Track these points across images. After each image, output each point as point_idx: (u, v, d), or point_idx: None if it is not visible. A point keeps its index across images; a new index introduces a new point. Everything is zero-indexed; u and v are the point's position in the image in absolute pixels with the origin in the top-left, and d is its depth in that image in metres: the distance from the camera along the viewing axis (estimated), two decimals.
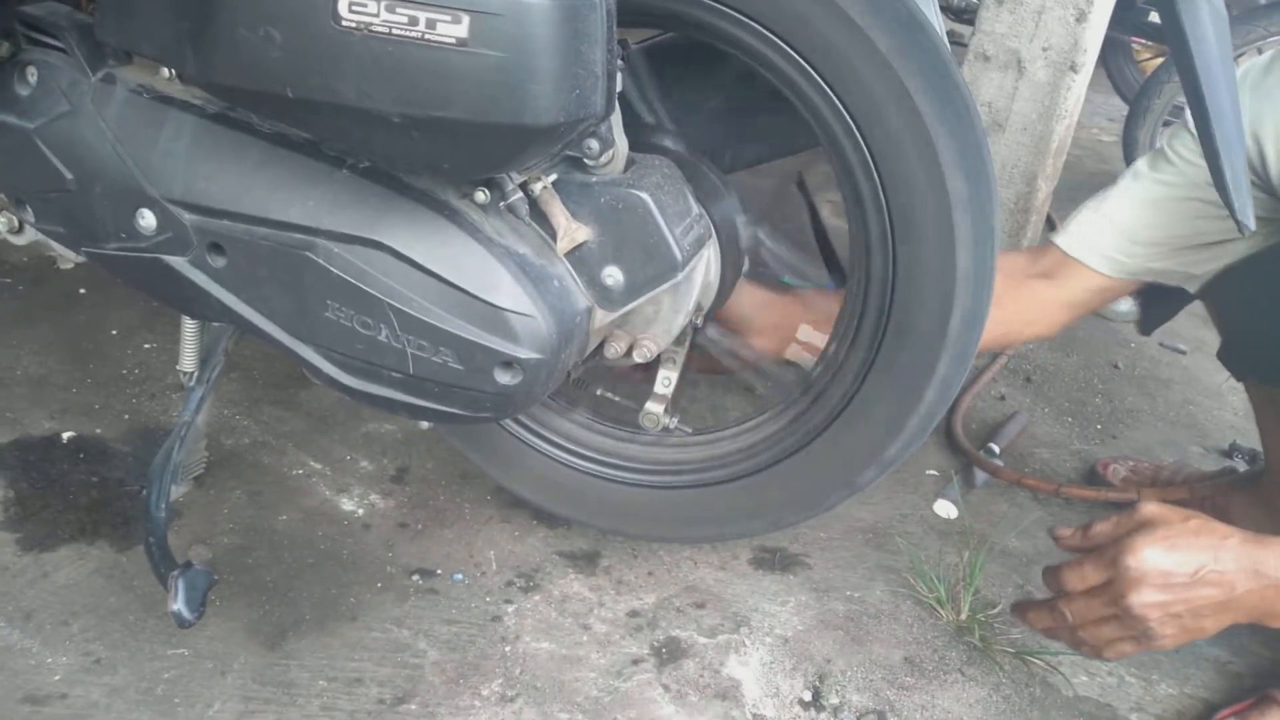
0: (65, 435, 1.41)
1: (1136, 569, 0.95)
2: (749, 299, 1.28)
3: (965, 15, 3.89)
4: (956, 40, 3.96)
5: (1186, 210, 1.24)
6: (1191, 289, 1.33)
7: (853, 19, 0.92)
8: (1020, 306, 1.33)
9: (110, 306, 1.71)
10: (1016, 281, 1.33)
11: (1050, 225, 2.60)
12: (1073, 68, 1.72)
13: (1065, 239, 1.32)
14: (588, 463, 1.28)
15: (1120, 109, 3.72)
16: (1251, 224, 0.94)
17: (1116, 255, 1.29)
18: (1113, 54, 3.88)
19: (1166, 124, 2.95)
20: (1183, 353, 2.16)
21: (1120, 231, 1.28)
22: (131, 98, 0.98)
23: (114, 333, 1.66)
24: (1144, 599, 0.95)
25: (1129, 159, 3.01)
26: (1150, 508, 0.99)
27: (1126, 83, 3.86)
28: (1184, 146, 1.24)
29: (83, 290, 1.74)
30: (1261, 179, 1.20)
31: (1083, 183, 3.26)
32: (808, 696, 1.17)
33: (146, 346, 1.63)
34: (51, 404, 1.47)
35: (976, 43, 1.79)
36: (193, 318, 1.13)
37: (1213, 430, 1.89)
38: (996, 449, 1.68)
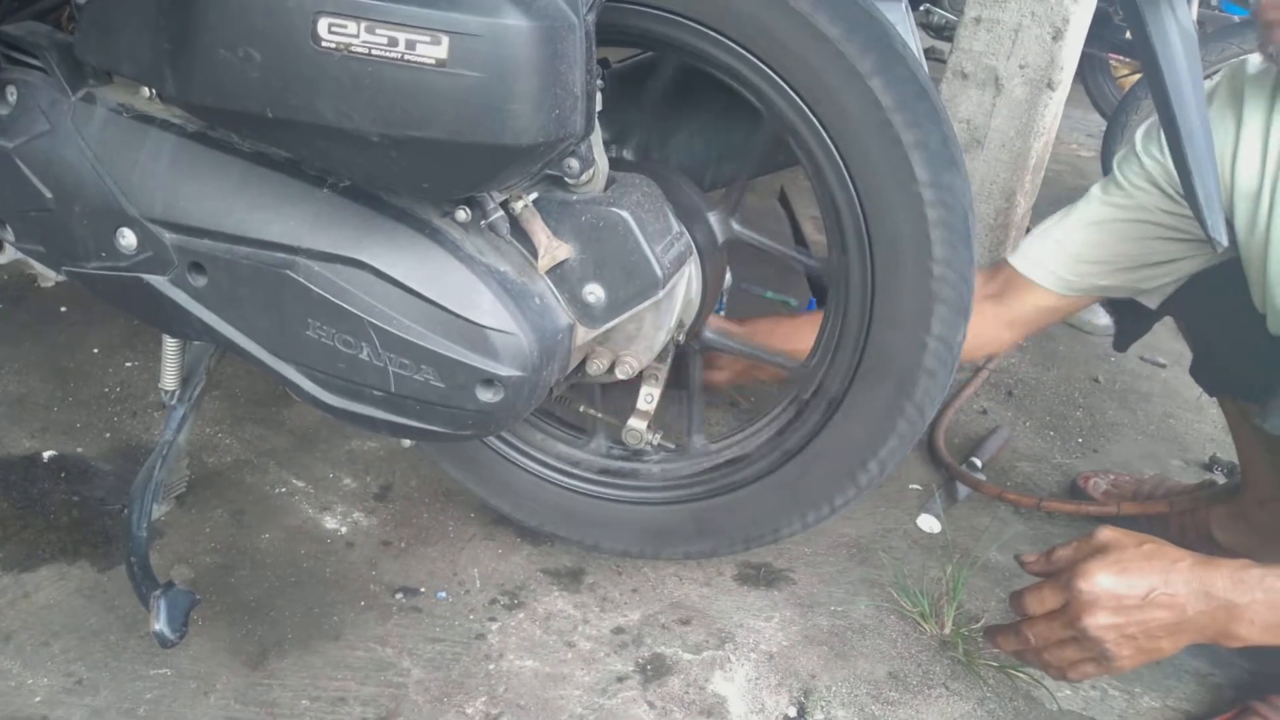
0: (46, 454, 1.41)
1: (1089, 593, 0.97)
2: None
3: (945, 32, 3.93)
4: (936, 57, 4.00)
5: (1134, 232, 1.26)
6: (1150, 304, 1.35)
7: (832, 42, 0.93)
8: (974, 327, 1.33)
9: (91, 325, 1.70)
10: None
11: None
12: (1050, 85, 1.74)
13: (1016, 258, 1.33)
14: (569, 478, 1.28)
15: (1099, 124, 3.75)
16: (1224, 240, 0.96)
17: (1065, 274, 1.31)
18: (1091, 70, 3.92)
19: None
20: (1162, 366, 2.18)
21: (1069, 252, 1.29)
22: (111, 117, 0.98)
23: (95, 351, 1.65)
24: (1098, 621, 0.97)
25: (1107, 173, 3.04)
26: (1105, 533, 1.02)
27: (1105, 98, 3.89)
28: (1132, 172, 1.26)
29: (64, 308, 1.74)
30: None
31: (1061, 198, 3.26)
32: (793, 712, 1.17)
33: (128, 365, 1.63)
34: (32, 423, 1.46)
35: (955, 60, 1.81)
36: (174, 336, 1.12)
37: (1192, 443, 1.90)
38: (979, 463, 1.69)
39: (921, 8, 4.43)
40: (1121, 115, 3.03)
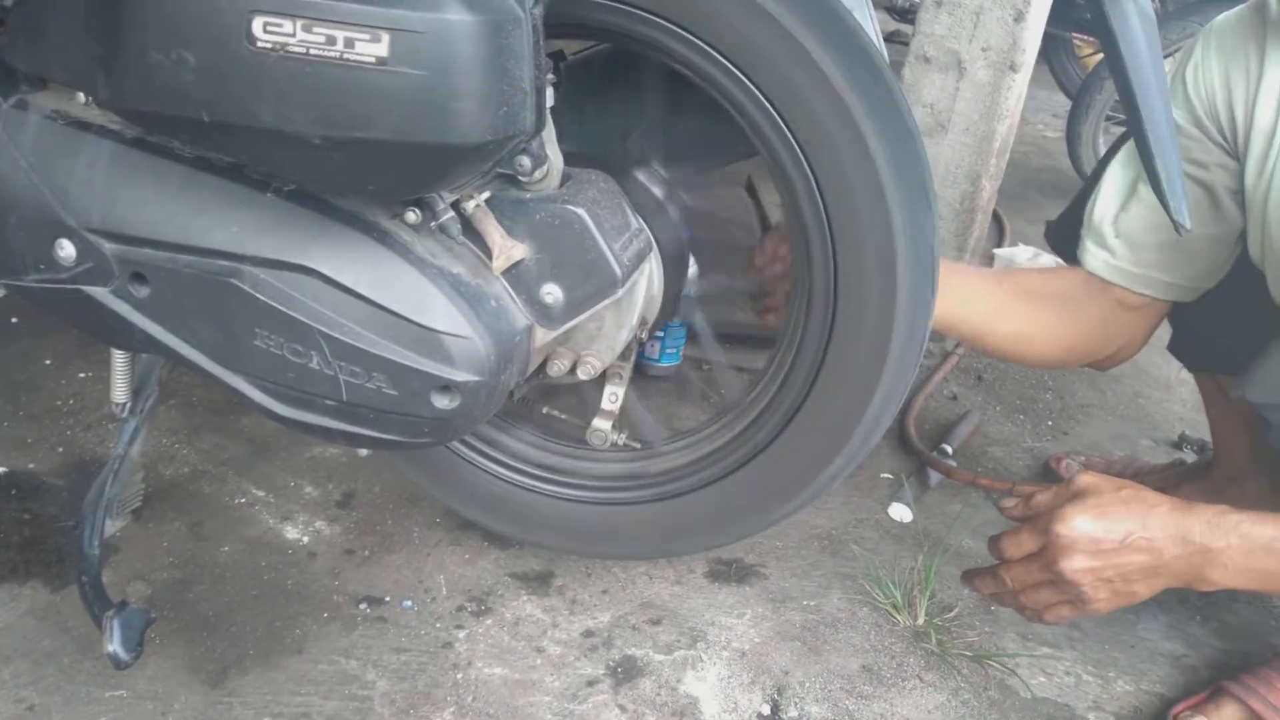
0: None
1: (1067, 535, 0.98)
2: None
3: (909, 15, 3.92)
4: (900, 40, 3.99)
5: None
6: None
7: (798, 40, 0.91)
8: (1103, 315, 1.29)
9: (44, 336, 1.66)
10: (1095, 291, 1.28)
11: (998, 223, 2.62)
12: (1012, 67, 1.72)
13: (1088, 259, 1.27)
14: (535, 480, 1.26)
15: (1064, 104, 3.76)
16: (1188, 223, 0.95)
17: (1167, 278, 1.25)
18: (1054, 50, 3.93)
19: (1109, 119, 2.98)
20: None
21: (1130, 245, 1.24)
22: (46, 124, 0.95)
23: (48, 362, 1.61)
24: (1075, 564, 0.98)
25: (1072, 154, 3.04)
26: (1085, 478, 1.03)
27: (1069, 78, 3.90)
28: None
29: (14, 319, 1.69)
30: (1228, 143, 1.18)
31: (1030, 179, 3.30)
32: (766, 710, 1.16)
33: (81, 375, 1.59)
34: None
35: (917, 44, 1.79)
36: (119, 349, 1.09)
37: (1162, 422, 1.91)
38: (950, 449, 1.68)
39: None
40: (1086, 95, 3.04)
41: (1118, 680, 1.27)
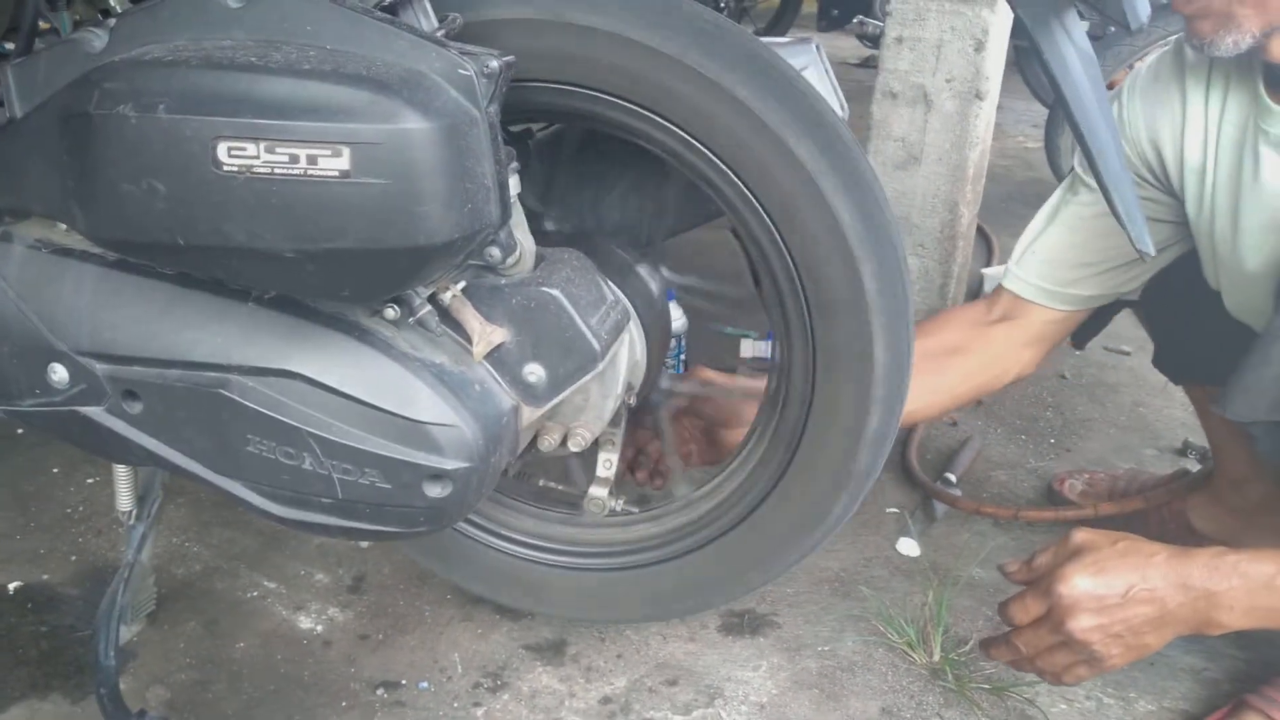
0: (11, 586, 1.39)
1: (1070, 596, 0.99)
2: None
3: (881, 41, 3.97)
4: (873, 65, 4.03)
5: (1105, 227, 1.25)
6: (1133, 298, 1.35)
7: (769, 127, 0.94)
8: (990, 354, 1.35)
9: (50, 444, 1.68)
10: (981, 330, 1.35)
11: (985, 241, 2.64)
12: (978, 95, 1.75)
13: (1007, 280, 1.33)
14: (540, 552, 1.27)
15: (1043, 114, 3.78)
16: (1151, 250, 0.96)
17: (1049, 286, 1.31)
18: (1026, 61, 3.97)
19: None
20: (1127, 354, 2.18)
21: (1048, 261, 1.30)
22: (30, 254, 0.97)
23: (55, 471, 1.63)
24: (1081, 624, 0.99)
25: (1053, 165, 3.06)
26: (1080, 535, 1.03)
27: (1043, 87, 3.93)
28: None
29: (20, 430, 1.72)
30: (1162, 183, 1.23)
31: (1014, 193, 3.31)
32: None
33: (90, 481, 1.61)
34: None
35: (882, 81, 1.82)
36: (118, 464, 1.11)
37: (1164, 430, 1.91)
38: (953, 477, 1.69)
39: (855, 19, 4.49)
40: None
41: (1139, 700, 1.26)
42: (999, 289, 1.36)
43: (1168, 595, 0.98)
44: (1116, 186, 0.92)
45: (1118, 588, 0.98)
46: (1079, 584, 0.99)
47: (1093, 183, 1.26)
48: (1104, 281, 1.30)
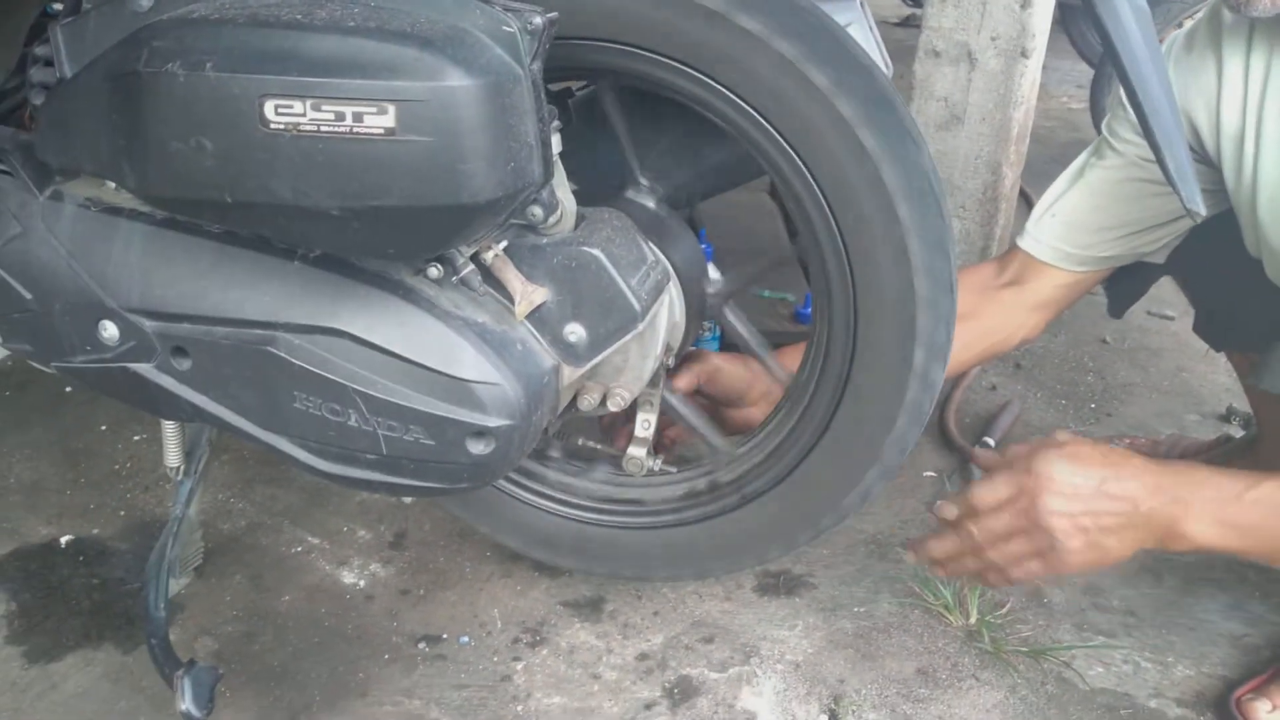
0: (63, 540, 1.42)
1: (1045, 475, 0.98)
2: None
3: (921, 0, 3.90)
4: (916, 24, 3.96)
5: (1131, 191, 1.24)
6: (1157, 260, 1.33)
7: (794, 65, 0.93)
8: (998, 319, 1.33)
9: (98, 402, 1.72)
10: (989, 294, 1.33)
11: (1027, 202, 2.60)
12: (1023, 54, 1.72)
13: (1023, 240, 1.32)
14: (579, 510, 1.28)
15: (1087, 74, 3.71)
16: (1202, 210, 0.95)
17: (1067, 248, 1.29)
18: (1072, 19, 3.88)
19: None
20: (1170, 319, 2.15)
21: (1068, 224, 1.28)
22: (80, 213, 0.99)
23: (103, 428, 1.67)
24: (1052, 506, 0.97)
25: (1097, 124, 3.00)
26: (1062, 433, 1.03)
27: (1089, 46, 3.85)
28: (1122, 128, 1.24)
29: (69, 389, 1.75)
30: (1199, 152, 1.20)
31: (1057, 155, 3.26)
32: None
33: (136, 439, 1.64)
34: (47, 509, 1.48)
35: (925, 39, 1.79)
36: (167, 419, 1.13)
37: (1207, 396, 1.88)
38: (992, 442, 1.68)
39: None
40: (1107, 64, 3.00)
41: (1177, 665, 1.26)
42: (1012, 250, 1.35)
43: (1140, 497, 0.97)
44: (1169, 145, 0.90)
45: (1093, 478, 0.97)
46: (1057, 466, 0.98)
47: (1120, 146, 1.24)
48: (1125, 244, 1.28)
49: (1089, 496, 0.97)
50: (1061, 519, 0.98)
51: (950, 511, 1.06)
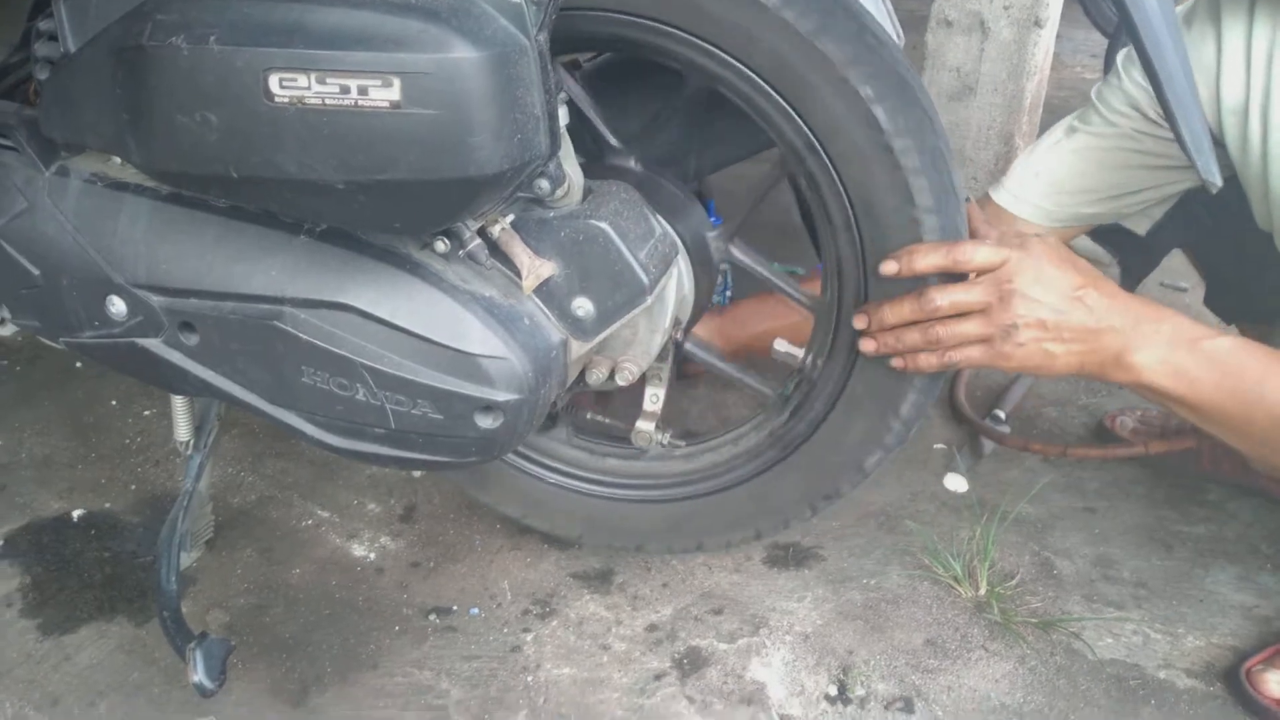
0: (75, 514, 1.43)
1: (1028, 261, 0.97)
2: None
3: None
4: None
5: (1115, 159, 1.24)
6: (1139, 230, 1.33)
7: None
8: None
9: (107, 377, 1.72)
10: None
11: None
12: (1037, 23, 1.70)
13: (998, 192, 1.32)
14: (587, 483, 1.28)
15: (1101, 44, 3.67)
16: (1218, 181, 0.94)
17: (1046, 205, 1.30)
18: None
19: None
20: (1183, 290, 2.13)
21: (1050, 182, 1.28)
22: (86, 188, 0.99)
23: (113, 403, 1.67)
24: (1027, 291, 0.97)
25: None
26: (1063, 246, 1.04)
27: (1103, 16, 3.79)
28: (1114, 98, 1.23)
29: (78, 364, 1.76)
30: None
31: None
32: (833, 691, 1.18)
33: (146, 413, 1.65)
34: (59, 484, 1.49)
35: (937, 8, 1.77)
36: (176, 394, 1.13)
37: None
38: (1002, 414, 1.67)
39: None
40: (1122, 33, 2.96)
41: (1187, 636, 1.26)
42: (986, 202, 1.34)
43: (1103, 315, 0.97)
44: (1184, 114, 0.89)
45: (1071, 281, 0.97)
46: (1042, 259, 0.97)
47: (1111, 116, 1.24)
48: (1107, 204, 1.29)
49: (1059, 298, 0.97)
50: (1032, 305, 0.97)
51: (927, 261, 0.98)
